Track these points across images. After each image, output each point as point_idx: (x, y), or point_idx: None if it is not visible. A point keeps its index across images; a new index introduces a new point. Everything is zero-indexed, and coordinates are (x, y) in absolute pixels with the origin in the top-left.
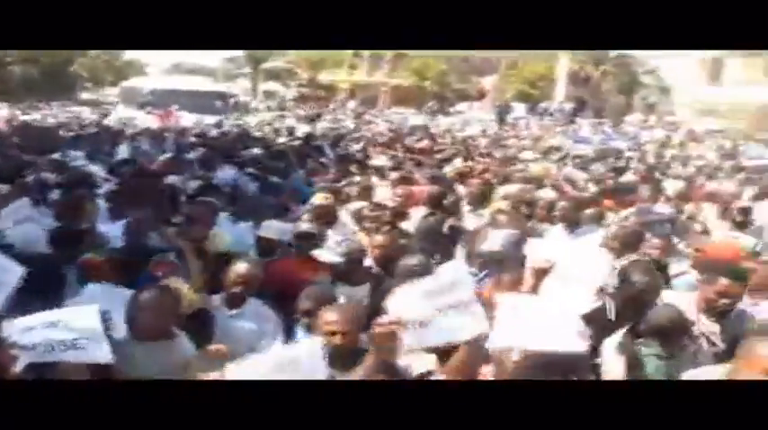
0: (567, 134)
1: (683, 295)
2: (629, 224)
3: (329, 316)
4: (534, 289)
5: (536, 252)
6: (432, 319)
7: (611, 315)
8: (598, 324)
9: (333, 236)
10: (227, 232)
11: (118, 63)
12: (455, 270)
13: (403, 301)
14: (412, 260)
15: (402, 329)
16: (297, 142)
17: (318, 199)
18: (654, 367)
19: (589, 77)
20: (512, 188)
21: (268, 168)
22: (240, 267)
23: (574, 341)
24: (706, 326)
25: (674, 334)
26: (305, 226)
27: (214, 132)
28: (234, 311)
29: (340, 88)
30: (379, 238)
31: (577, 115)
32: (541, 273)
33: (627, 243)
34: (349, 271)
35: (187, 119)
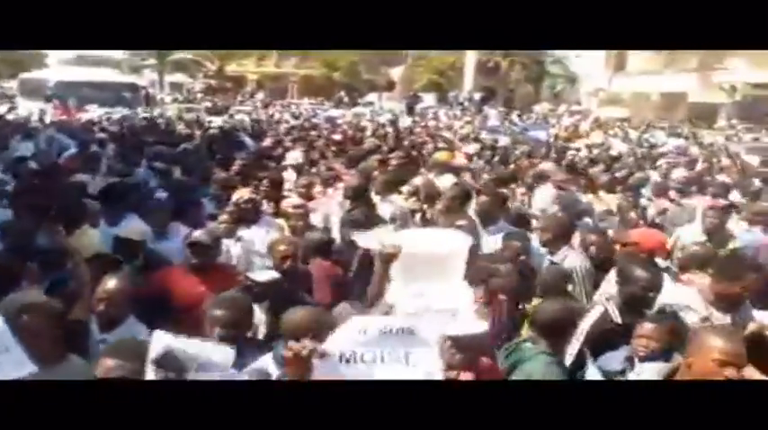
0: (477, 124)
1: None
2: (560, 216)
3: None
4: (383, 274)
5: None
6: (365, 362)
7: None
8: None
9: (257, 233)
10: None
11: (15, 54)
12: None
13: (345, 333)
14: None
15: (319, 359)
16: (209, 135)
17: (240, 194)
18: (537, 364)
19: (497, 67)
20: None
21: (180, 165)
22: (107, 282)
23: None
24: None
25: (561, 330)
26: (198, 234)
27: (122, 126)
28: (103, 336)
29: (248, 79)
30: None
31: (486, 105)
32: (388, 258)
33: (558, 234)
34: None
35: (94, 112)
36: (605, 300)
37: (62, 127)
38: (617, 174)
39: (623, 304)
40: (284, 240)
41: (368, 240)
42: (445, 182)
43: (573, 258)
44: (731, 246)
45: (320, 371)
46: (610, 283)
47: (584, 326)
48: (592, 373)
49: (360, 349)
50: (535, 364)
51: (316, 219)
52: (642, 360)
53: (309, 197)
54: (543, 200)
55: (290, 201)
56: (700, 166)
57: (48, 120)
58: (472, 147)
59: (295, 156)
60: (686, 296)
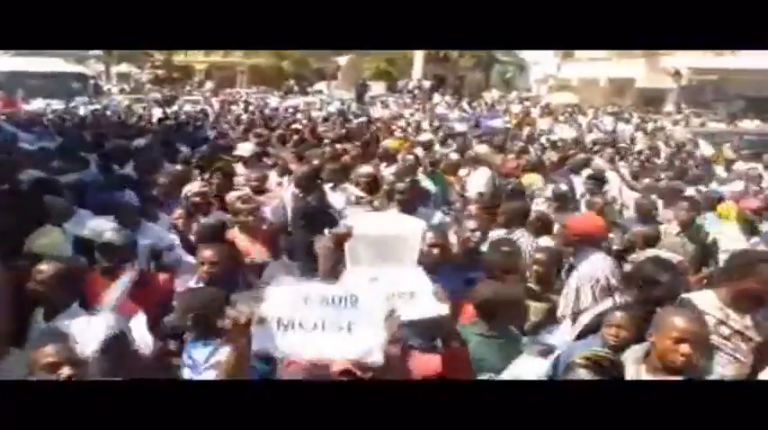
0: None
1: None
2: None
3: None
4: (334, 255)
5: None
6: (304, 329)
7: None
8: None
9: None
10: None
11: None
12: (366, 287)
13: (278, 298)
14: None
15: (258, 326)
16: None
17: (190, 187)
18: (476, 346)
19: (447, 55)
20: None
21: (135, 159)
22: (41, 267)
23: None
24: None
25: (499, 311)
26: (109, 235)
27: (72, 118)
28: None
29: (196, 69)
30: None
31: (436, 93)
32: (340, 239)
33: (513, 217)
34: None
35: (41, 103)
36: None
37: (9, 119)
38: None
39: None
40: None
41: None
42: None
43: (525, 241)
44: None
45: (257, 341)
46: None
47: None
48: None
49: (298, 315)
50: (471, 346)
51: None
52: (613, 349)
53: (262, 190)
54: (478, 183)
55: (236, 193)
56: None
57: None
58: (426, 136)
59: (247, 147)
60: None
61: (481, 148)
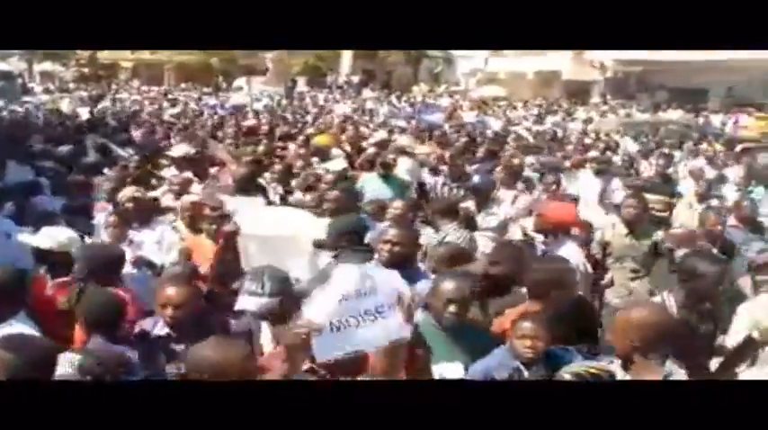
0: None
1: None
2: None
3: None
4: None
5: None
6: (345, 327)
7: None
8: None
9: (150, 239)
10: None
11: None
12: (369, 274)
13: (319, 306)
14: None
15: (315, 335)
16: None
17: (124, 193)
18: (430, 337)
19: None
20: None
21: (67, 163)
22: None
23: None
24: None
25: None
26: (45, 241)
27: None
28: None
29: (122, 67)
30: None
31: (365, 88)
32: (228, 236)
33: (445, 212)
34: None
35: None
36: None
37: None
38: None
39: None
40: None
41: None
42: (334, 166)
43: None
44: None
45: (318, 348)
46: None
47: None
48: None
49: (340, 317)
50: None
51: None
52: (529, 361)
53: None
54: (402, 172)
55: (189, 198)
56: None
57: None
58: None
59: (181, 149)
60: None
61: (403, 140)
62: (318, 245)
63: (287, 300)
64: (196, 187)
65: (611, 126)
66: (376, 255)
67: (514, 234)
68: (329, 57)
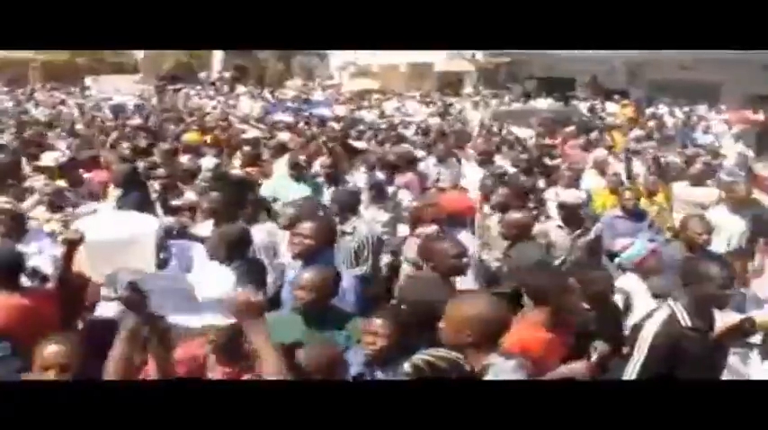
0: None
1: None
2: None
3: None
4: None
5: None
6: None
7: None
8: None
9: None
10: None
11: None
12: None
13: None
14: None
15: None
16: None
17: None
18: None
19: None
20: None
21: None
22: None
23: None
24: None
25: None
26: None
27: None
28: None
29: None
30: None
31: (238, 83)
32: (71, 243)
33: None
34: None
35: None
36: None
37: None
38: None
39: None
40: None
41: None
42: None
43: (362, 228)
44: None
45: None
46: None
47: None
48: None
49: None
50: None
51: None
52: (371, 357)
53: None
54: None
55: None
56: None
57: None
58: (253, 132)
59: (51, 156)
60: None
61: (284, 135)
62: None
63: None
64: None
65: (486, 116)
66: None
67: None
68: (201, 54)
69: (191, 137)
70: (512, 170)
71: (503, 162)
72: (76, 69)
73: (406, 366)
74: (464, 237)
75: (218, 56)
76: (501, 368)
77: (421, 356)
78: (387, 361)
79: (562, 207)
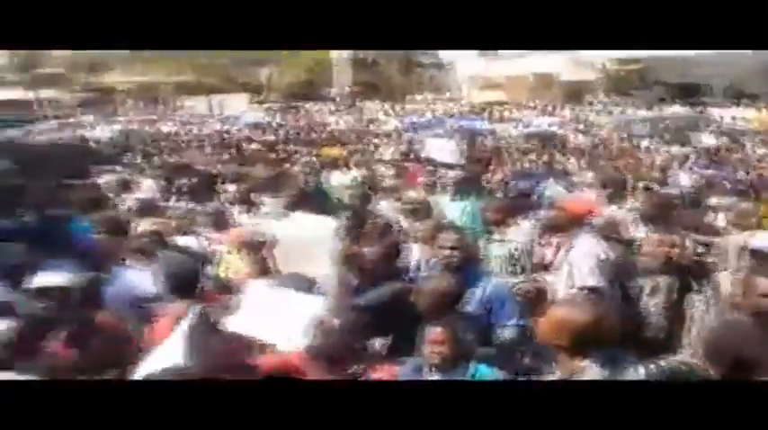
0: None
1: None
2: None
3: None
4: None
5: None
6: None
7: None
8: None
9: None
10: None
11: None
12: None
13: None
14: None
15: None
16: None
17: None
18: None
19: (366, 60)
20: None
21: None
22: None
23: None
24: None
25: None
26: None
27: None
28: None
29: (119, 90)
30: None
31: (363, 99)
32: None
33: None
34: None
35: None
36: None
37: None
38: None
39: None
40: None
41: None
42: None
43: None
44: None
45: None
46: None
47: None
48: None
49: None
50: None
51: None
52: (436, 367)
53: None
54: None
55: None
56: None
57: None
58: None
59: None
60: None
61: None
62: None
63: None
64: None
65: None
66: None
67: None
68: (322, 71)
69: (329, 151)
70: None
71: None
72: (204, 90)
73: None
74: (591, 236)
75: (339, 72)
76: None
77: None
78: (448, 368)
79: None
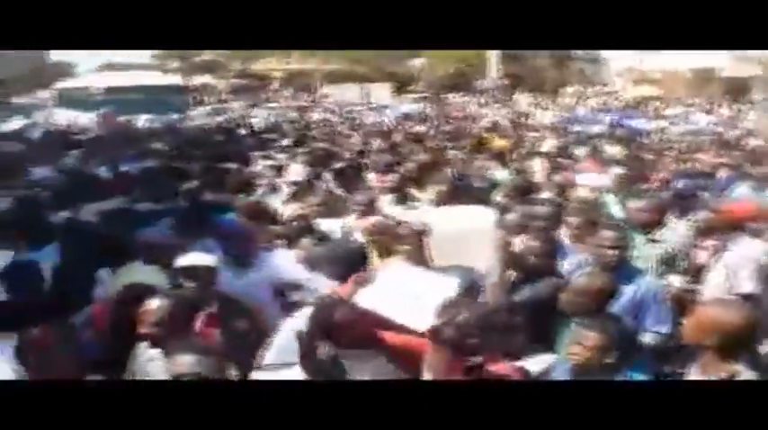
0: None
1: None
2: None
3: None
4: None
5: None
6: None
7: None
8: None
9: None
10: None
11: (40, 63)
12: None
13: None
14: None
15: None
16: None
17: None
18: None
19: (522, 53)
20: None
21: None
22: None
23: (416, 319)
24: None
25: None
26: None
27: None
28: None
29: (273, 77)
30: None
31: (514, 91)
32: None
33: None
34: None
35: (142, 121)
36: None
37: (108, 139)
38: None
39: None
40: None
41: None
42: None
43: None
44: None
45: None
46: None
47: None
48: None
49: None
50: None
51: None
52: (577, 369)
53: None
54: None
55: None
56: None
57: (96, 129)
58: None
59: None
60: None
61: (613, 149)
62: None
63: None
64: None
65: None
66: None
67: None
68: (476, 62)
69: (494, 143)
70: None
71: None
72: (356, 79)
73: None
74: (751, 240)
75: (492, 64)
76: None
77: None
78: (593, 371)
79: None
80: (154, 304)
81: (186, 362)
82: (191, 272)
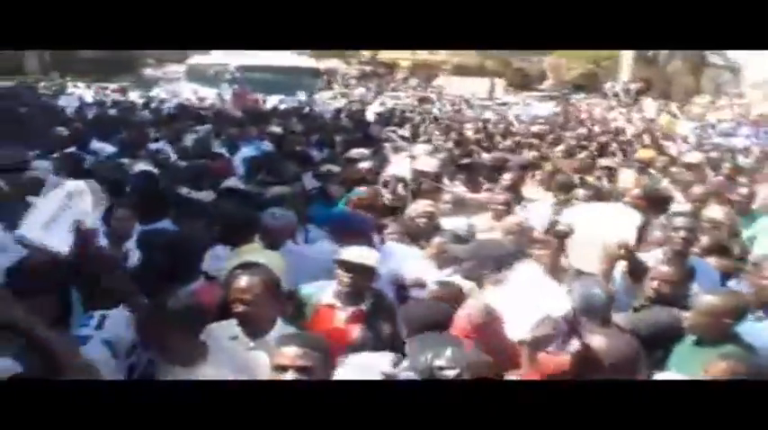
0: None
1: None
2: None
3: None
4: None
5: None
6: None
7: None
8: None
9: None
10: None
11: None
12: None
13: None
14: None
15: None
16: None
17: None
18: None
19: (656, 57)
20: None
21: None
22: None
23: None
24: None
25: None
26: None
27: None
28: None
29: (401, 66)
30: None
31: (642, 96)
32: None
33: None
34: None
35: (272, 101)
36: None
37: (236, 117)
38: None
39: None
40: None
41: None
42: None
43: None
44: None
45: None
46: None
47: None
48: None
49: None
50: None
51: None
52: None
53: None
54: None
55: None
56: None
57: (226, 106)
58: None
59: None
60: None
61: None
62: None
63: None
64: None
65: None
66: None
67: None
68: (607, 63)
69: (644, 153)
70: None
71: None
72: (483, 73)
73: None
74: None
75: (625, 67)
76: None
77: None
78: None
79: None
80: (244, 281)
81: (291, 354)
82: (349, 266)
